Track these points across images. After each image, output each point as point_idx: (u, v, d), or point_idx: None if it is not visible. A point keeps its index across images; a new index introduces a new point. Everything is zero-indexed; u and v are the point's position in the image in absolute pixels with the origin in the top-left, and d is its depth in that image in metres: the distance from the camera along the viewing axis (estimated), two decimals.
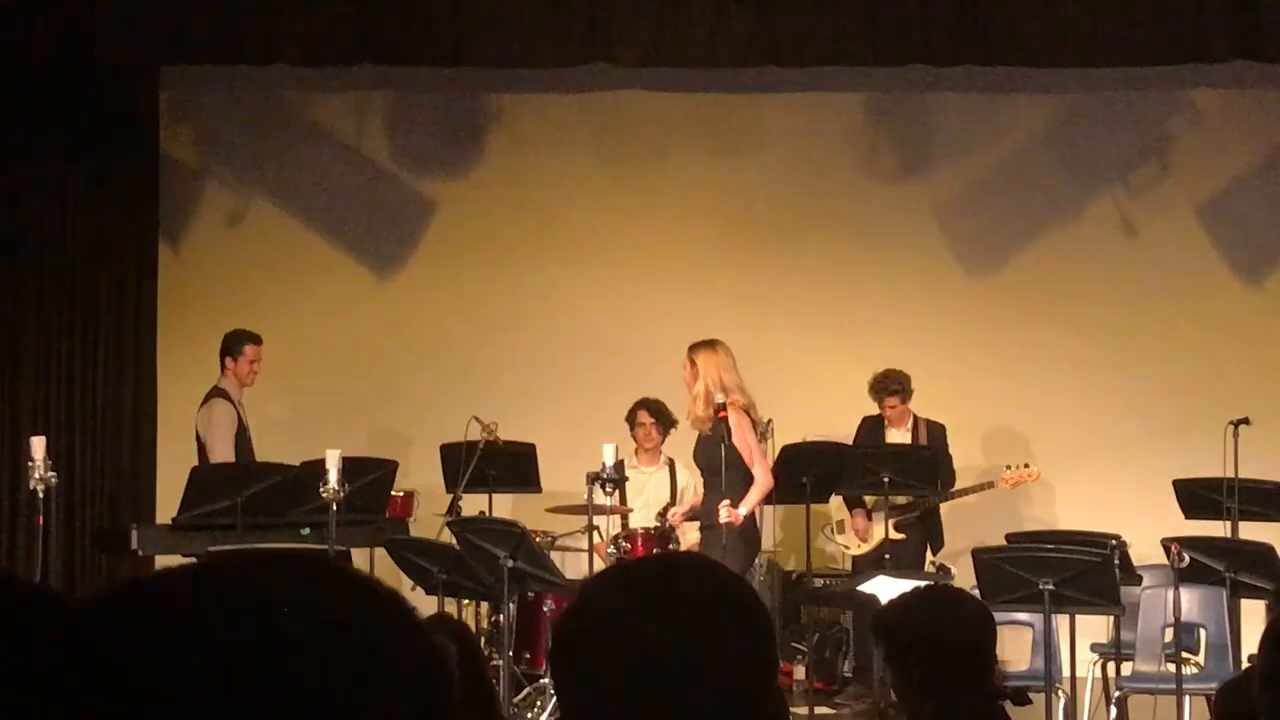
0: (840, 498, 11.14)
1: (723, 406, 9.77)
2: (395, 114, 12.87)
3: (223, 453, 10.64)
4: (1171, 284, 12.53)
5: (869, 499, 11.17)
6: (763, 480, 9.62)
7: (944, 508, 11.44)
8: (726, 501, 9.40)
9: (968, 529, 11.72)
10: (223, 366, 11.00)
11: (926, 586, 5.15)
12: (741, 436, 9.59)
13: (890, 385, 11.24)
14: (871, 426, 11.31)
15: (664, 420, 11.01)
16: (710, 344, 9.87)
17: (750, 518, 9.59)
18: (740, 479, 9.52)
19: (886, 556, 10.69)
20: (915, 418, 11.32)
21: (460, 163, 12.88)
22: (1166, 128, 12.66)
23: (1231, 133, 12.59)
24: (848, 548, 11.27)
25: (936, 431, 11.30)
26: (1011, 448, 12.06)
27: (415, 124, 12.86)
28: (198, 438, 10.85)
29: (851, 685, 10.91)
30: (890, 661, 4.00)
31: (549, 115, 12.88)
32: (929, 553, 11.21)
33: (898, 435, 11.26)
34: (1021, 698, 4.30)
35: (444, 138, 12.85)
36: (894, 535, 11.00)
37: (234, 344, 10.99)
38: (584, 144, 12.87)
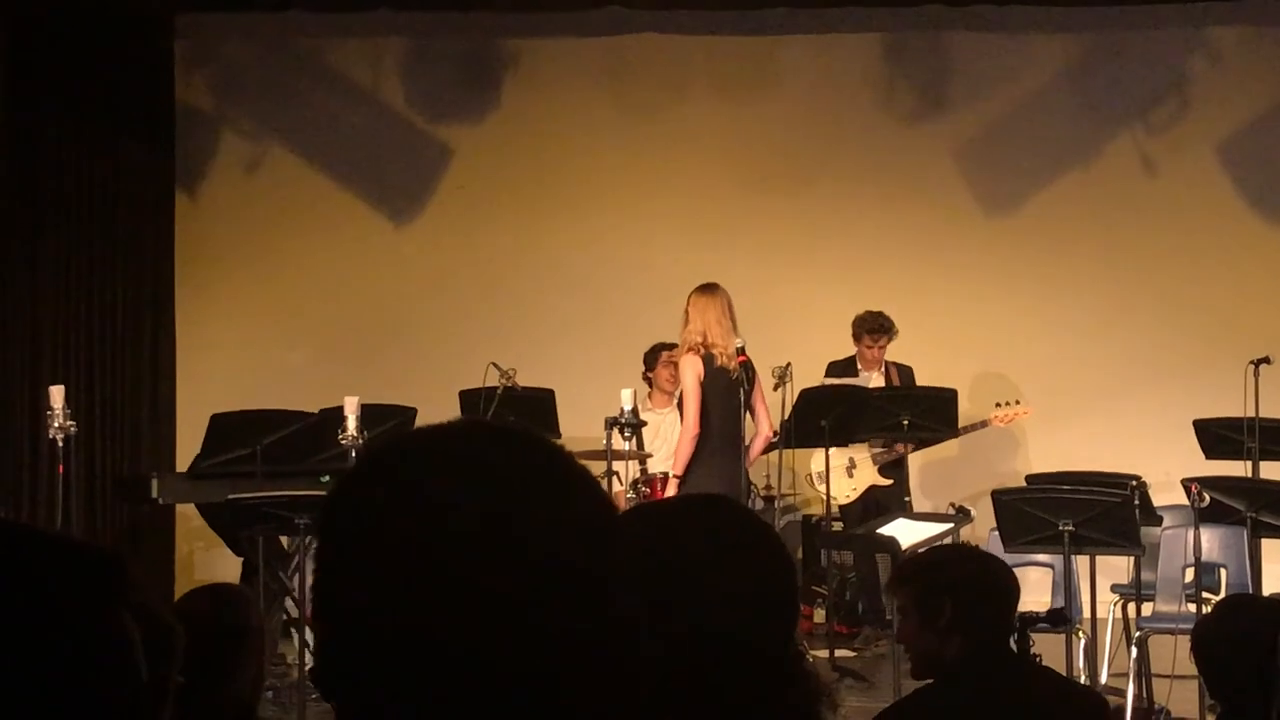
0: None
1: (741, 350, 9.77)
2: (411, 60, 12.84)
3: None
4: (1191, 223, 12.48)
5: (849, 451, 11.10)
6: (688, 429, 9.56)
7: (961, 446, 11.42)
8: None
9: (986, 469, 11.73)
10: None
11: (957, 545, 5.17)
12: (683, 380, 9.61)
13: (882, 321, 11.13)
14: (841, 370, 11.20)
15: None
16: (704, 289, 9.79)
17: (725, 462, 9.52)
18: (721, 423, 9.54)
19: (879, 502, 10.69)
20: (886, 362, 11.25)
21: (476, 108, 12.84)
22: (1185, 66, 12.59)
23: (1250, 70, 12.52)
24: (835, 498, 11.22)
25: (906, 374, 11.25)
26: (1032, 388, 12.03)
27: (431, 69, 12.82)
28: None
29: (867, 627, 10.90)
30: (918, 604, 4.03)
31: (565, 59, 12.83)
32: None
33: (875, 378, 11.18)
34: (1058, 618, 4.35)
35: (460, 83, 12.80)
36: (880, 481, 10.99)
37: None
38: (600, 88, 12.83)
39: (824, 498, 11.22)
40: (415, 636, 1.36)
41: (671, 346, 11.04)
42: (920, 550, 8.64)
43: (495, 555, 1.37)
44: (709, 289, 9.77)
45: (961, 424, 11.02)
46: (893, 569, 5.90)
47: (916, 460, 11.45)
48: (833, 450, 10.78)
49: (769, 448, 10.37)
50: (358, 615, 1.39)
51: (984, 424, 11.18)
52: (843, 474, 11.12)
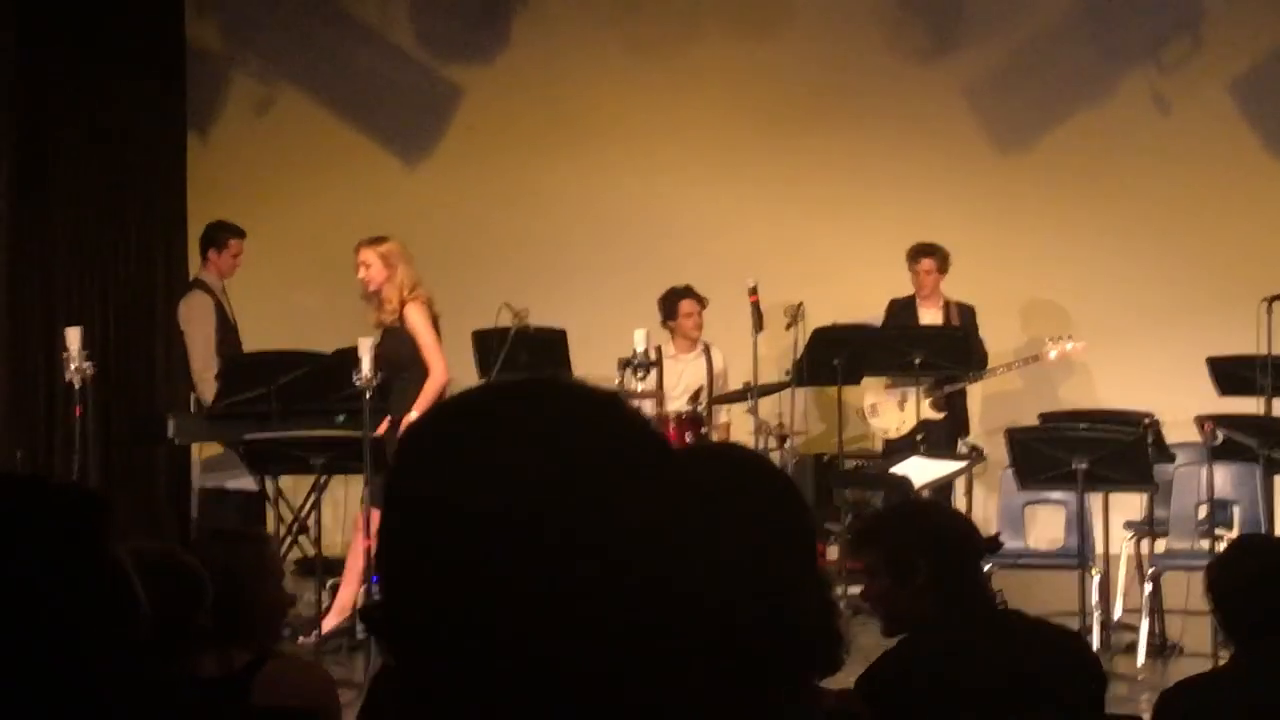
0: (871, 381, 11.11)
1: (754, 290, 9.81)
2: None
3: (203, 344, 10.62)
4: (1204, 160, 12.44)
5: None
6: (437, 376, 9.27)
7: (978, 386, 11.44)
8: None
9: (1001, 408, 11.74)
10: (205, 258, 10.93)
11: (918, 500, 5.19)
12: (427, 331, 9.30)
13: (930, 247, 11.18)
14: (901, 308, 11.25)
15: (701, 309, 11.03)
16: (385, 239, 9.55)
17: None
18: (422, 375, 9.23)
19: (919, 437, 10.67)
20: (946, 300, 11.29)
21: (487, 47, 12.81)
22: (1199, 2, 12.52)
23: (1265, 6, 12.45)
24: (886, 430, 11.25)
25: (967, 313, 11.27)
26: (1045, 327, 12.03)
27: (441, 9, 12.79)
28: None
29: None
30: (890, 562, 4.04)
31: None
32: (958, 436, 11.20)
33: (929, 315, 11.22)
34: (994, 543, 4.39)
35: (470, 22, 12.77)
36: (931, 415, 10.98)
37: (218, 236, 10.87)
38: (611, 26, 12.79)
39: (876, 431, 11.27)
40: (469, 606, 1.37)
41: (695, 294, 10.99)
42: (880, 510, 8.69)
43: (567, 526, 1.37)
44: (389, 238, 9.57)
45: (1007, 360, 11.13)
46: (856, 530, 5.94)
47: (976, 392, 11.46)
48: (884, 384, 10.89)
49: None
50: (413, 574, 1.40)
51: (1035, 359, 11.19)
52: (894, 407, 11.15)
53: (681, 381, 10.98)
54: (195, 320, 10.72)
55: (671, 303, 11.06)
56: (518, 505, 1.37)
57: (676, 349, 11.08)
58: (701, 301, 11.03)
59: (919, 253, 11.22)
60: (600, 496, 1.39)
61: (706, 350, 11.11)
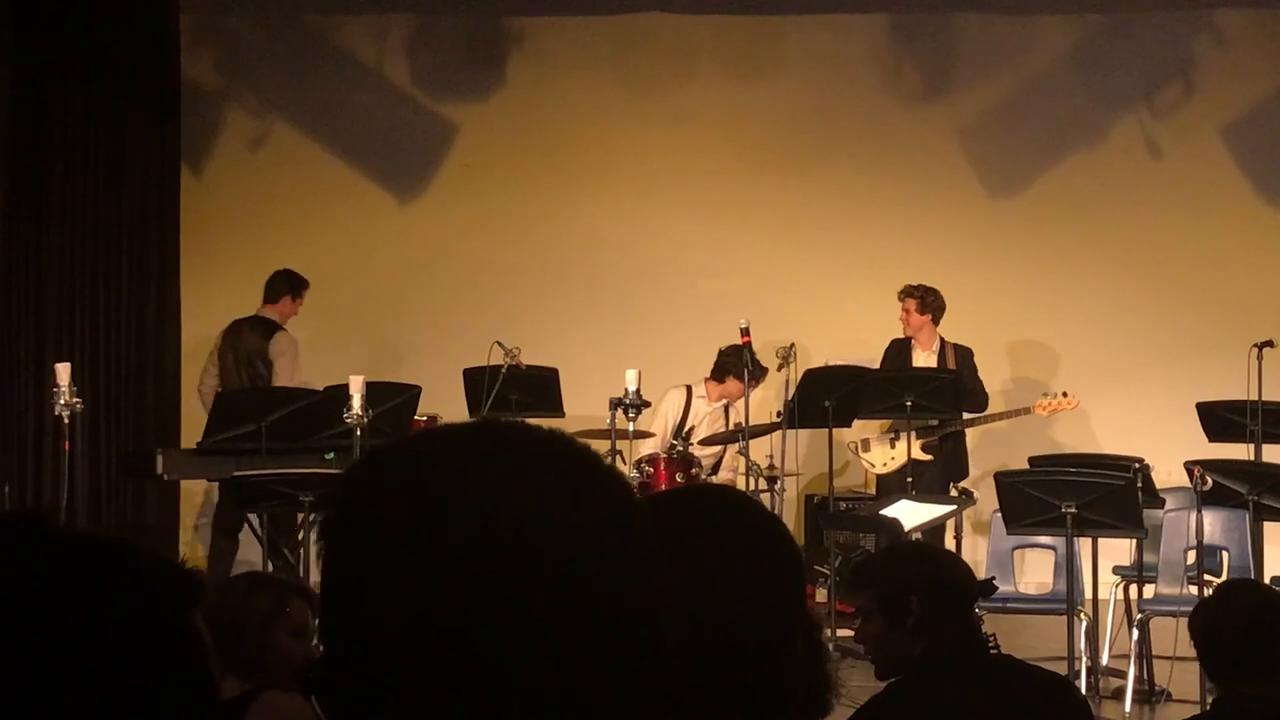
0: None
1: (745, 331, 9.81)
2: (416, 37, 12.83)
3: (297, 383, 10.66)
4: (1196, 206, 12.48)
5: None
6: None
7: (970, 432, 11.43)
8: None
9: (991, 452, 11.74)
10: (274, 299, 10.92)
11: (912, 541, 5.19)
12: None
13: (912, 289, 11.15)
14: (899, 349, 11.25)
15: None
16: None
17: None
18: None
19: (909, 480, 10.67)
20: (943, 341, 11.28)
21: (482, 86, 12.83)
22: (1191, 48, 12.57)
23: (1257, 52, 12.51)
24: (873, 465, 11.26)
25: (964, 355, 11.26)
26: (1034, 370, 12.05)
27: (436, 47, 12.81)
28: (257, 360, 10.80)
29: None
30: (884, 604, 4.04)
31: (571, 37, 12.83)
32: (951, 479, 11.19)
33: (924, 357, 11.21)
34: (987, 589, 4.38)
35: (465, 61, 12.80)
36: (920, 456, 10.97)
37: (299, 284, 11.01)
38: (606, 66, 12.82)
39: (864, 466, 11.27)
40: (425, 647, 1.35)
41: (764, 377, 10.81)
42: (872, 553, 8.66)
43: (510, 561, 1.36)
44: None
45: (999, 409, 11.15)
46: (850, 571, 5.93)
47: (975, 433, 11.44)
48: (880, 427, 10.93)
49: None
50: (366, 627, 1.38)
51: (1027, 410, 11.19)
52: (884, 443, 11.15)
53: (702, 424, 11.03)
54: (292, 358, 10.80)
55: (758, 372, 10.59)
56: (486, 548, 1.36)
57: (708, 392, 11.10)
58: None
59: (901, 293, 11.23)
60: (570, 539, 1.38)
61: (727, 406, 11.10)
